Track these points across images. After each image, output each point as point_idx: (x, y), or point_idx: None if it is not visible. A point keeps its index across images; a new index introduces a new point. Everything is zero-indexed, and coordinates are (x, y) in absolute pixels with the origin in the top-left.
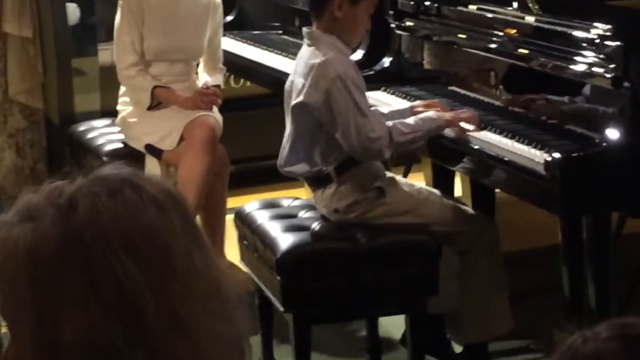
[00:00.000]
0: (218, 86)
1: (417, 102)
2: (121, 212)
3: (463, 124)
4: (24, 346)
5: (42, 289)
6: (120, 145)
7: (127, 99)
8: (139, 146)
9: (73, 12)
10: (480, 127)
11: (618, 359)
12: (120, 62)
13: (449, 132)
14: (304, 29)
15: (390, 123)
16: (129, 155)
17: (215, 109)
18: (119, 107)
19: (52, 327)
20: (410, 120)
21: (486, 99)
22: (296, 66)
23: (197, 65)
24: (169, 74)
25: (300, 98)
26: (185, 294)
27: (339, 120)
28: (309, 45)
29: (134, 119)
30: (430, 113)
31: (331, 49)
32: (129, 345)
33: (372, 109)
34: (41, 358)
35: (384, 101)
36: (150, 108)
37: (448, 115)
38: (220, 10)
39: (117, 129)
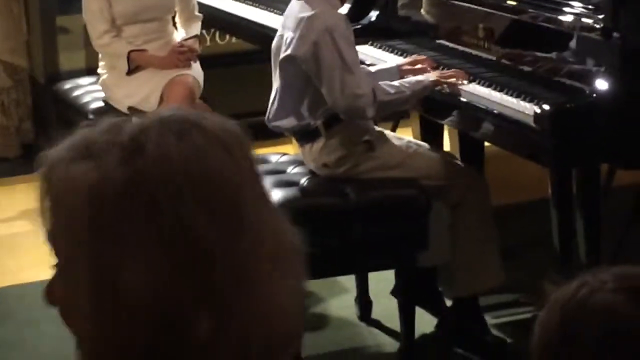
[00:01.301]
0: (196, 36)
1: (405, 60)
2: (190, 157)
3: (450, 81)
4: (77, 288)
5: (102, 233)
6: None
7: (105, 63)
8: (122, 109)
9: None
10: (468, 81)
11: (628, 312)
12: (92, 31)
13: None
14: None
15: (374, 70)
16: (114, 113)
17: (196, 65)
18: (99, 71)
19: (111, 274)
20: (396, 82)
21: (474, 52)
22: (285, 21)
23: (172, 19)
24: (143, 34)
25: (289, 51)
26: (255, 248)
27: (324, 74)
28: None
29: (114, 83)
30: (417, 76)
31: (321, 3)
32: (195, 305)
33: (359, 67)
34: (97, 305)
35: (371, 55)
36: (129, 73)
37: (434, 74)
38: None
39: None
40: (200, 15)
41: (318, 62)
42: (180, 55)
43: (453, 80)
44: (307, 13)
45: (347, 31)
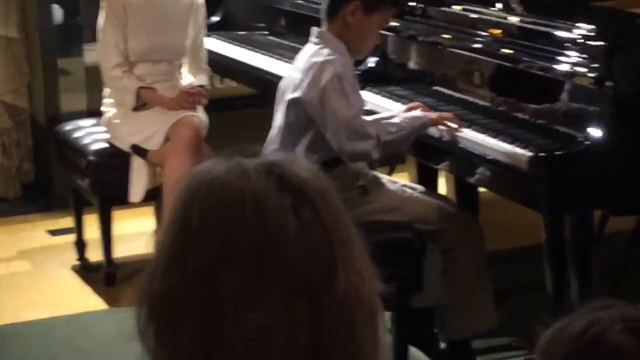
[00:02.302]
0: (203, 86)
1: (401, 109)
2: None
3: (447, 123)
4: None
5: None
6: (106, 144)
7: (111, 100)
8: (125, 146)
9: (58, 12)
10: (461, 127)
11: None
12: (105, 63)
13: (433, 130)
14: (314, 28)
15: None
16: (115, 154)
17: (200, 109)
18: (103, 109)
19: None
20: (396, 119)
21: (470, 99)
22: (296, 62)
23: (180, 66)
24: (153, 74)
25: (297, 94)
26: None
27: (330, 119)
28: (315, 44)
29: (119, 120)
30: (415, 112)
31: (335, 52)
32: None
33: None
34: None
35: (369, 101)
36: (135, 109)
37: (432, 114)
38: (203, 9)
39: (103, 128)
40: (209, 68)
41: (324, 107)
42: (189, 97)
43: (449, 122)
44: (320, 58)
45: (354, 79)
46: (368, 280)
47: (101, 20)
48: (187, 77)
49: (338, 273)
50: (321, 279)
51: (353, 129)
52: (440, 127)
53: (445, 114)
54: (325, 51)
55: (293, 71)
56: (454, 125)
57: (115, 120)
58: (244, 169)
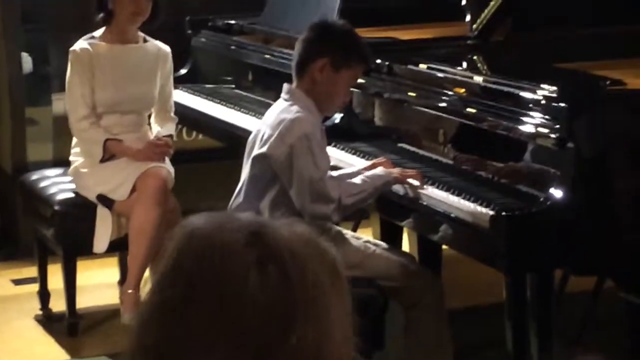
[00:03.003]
0: (170, 136)
1: (366, 165)
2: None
3: (410, 180)
4: None
5: None
6: (72, 194)
7: (79, 149)
8: (91, 196)
9: (27, 61)
10: (424, 185)
11: None
12: (72, 115)
13: (397, 187)
14: (285, 85)
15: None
16: (80, 205)
17: (167, 160)
18: (71, 158)
19: None
20: (358, 179)
21: (435, 156)
22: (266, 117)
23: (149, 115)
24: (120, 125)
25: (264, 149)
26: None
27: (296, 177)
28: (285, 100)
29: (87, 169)
30: (378, 170)
31: (304, 109)
32: None
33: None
34: None
35: (334, 156)
36: (102, 161)
37: (395, 171)
38: (170, 59)
39: (69, 178)
40: (176, 117)
41: (291, 165)
42: (157, 149)
43: (412, 180)
44: (289, 115)
45: (322, 139)
46: (336, 341)
47: (68, 71)
48: (155, 127)
49: (295, 331)
50: (275, 335)
51: (316, 191)
52: (403, 184)
53: (409, 171)
54: (295, 108)
55: (262, 125)
56: (417, 183)
57: (82, 170)
58: (224, 222)
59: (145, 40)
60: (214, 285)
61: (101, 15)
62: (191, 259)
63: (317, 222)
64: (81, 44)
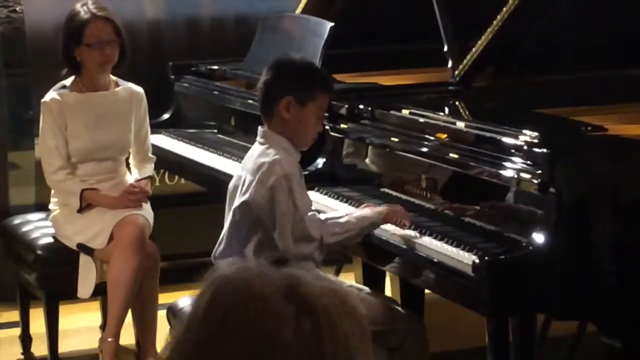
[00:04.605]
0: (149, 177)
1: (353, 211)
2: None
3: (398, 219)
4: None
5: None
6: (54, 239)
7: (57, 199)
8: (71, 245)
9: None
10: (412, 223)
11: None
12: (47, 167)
13: (379, 232)
14: (259, 127)
15: (324, 217)
16: (62, 249)
17: (146, 205)
18: (51, 207)
19: None
20: (344, 219)
21: (417, 201)
22: (245, 162)
23: (127, 158)
24: (97, 172)
25: (246, 197)
26: None
27: (278, 220)
28: (261, 144)
29: (65, 219)
30: (365, 210)
31: (280, 149)
32: None
33: (309, 214)
34: None
35: (316, 201)
36: (80, 210)
37: (382, 208)
38: (144, 100)
39: (50, 222)
40: (154, 157)
41: (273, 208)
42: (132, 197)
43: (399, 217)
44: (267, 159)
45: (302, 180)
46: None
47: (41, 122)
48: (134, 171)
49: None
50: None
51: (299, 231)
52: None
53: (397, 207)
54: (271, 151)
55: (241, 171)
56: (405, 221)
57: (61, 219)
58: (263, 272)
59: (117, 85)
60: (246, 332)
61: (66, 69)
62: (226, 304)
63: (300, 264)
64: (51, 94)
